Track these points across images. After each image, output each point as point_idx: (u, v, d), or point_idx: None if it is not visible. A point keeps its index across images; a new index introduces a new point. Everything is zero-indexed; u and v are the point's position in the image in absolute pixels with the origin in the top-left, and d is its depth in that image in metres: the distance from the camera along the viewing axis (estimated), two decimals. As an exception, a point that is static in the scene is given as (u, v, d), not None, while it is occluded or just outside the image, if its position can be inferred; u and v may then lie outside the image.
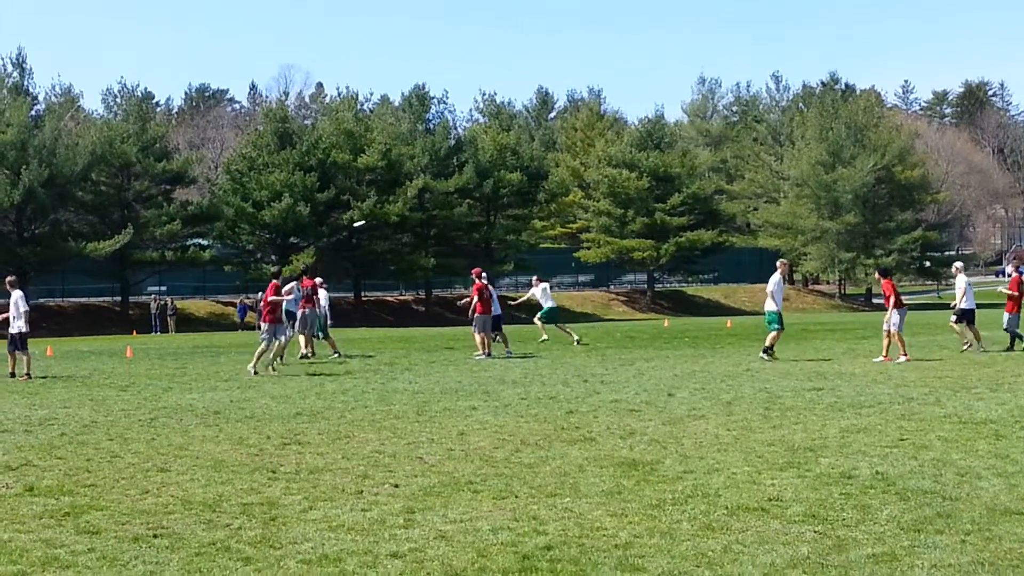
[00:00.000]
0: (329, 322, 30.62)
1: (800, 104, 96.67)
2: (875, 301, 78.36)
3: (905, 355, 23.45)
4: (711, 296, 79.63)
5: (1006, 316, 26.39)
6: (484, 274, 29.07)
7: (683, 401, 16.50)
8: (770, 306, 24.98)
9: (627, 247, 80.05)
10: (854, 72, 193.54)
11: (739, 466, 10.69)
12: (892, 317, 24.03)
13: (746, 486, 9.72)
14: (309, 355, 28.00)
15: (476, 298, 27.75)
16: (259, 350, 23.77)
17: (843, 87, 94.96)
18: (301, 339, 28.39)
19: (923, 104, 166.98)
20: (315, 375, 22.88)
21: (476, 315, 27.64)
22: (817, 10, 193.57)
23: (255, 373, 22.98)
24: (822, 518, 8.42)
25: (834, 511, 8.64)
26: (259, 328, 29.09)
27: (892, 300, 24.27)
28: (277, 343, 24.13)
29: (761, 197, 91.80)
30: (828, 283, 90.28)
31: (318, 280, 30.21)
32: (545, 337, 32.24)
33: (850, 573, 7.02)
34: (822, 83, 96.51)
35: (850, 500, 9.02)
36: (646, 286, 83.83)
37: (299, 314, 28.34)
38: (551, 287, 31.95)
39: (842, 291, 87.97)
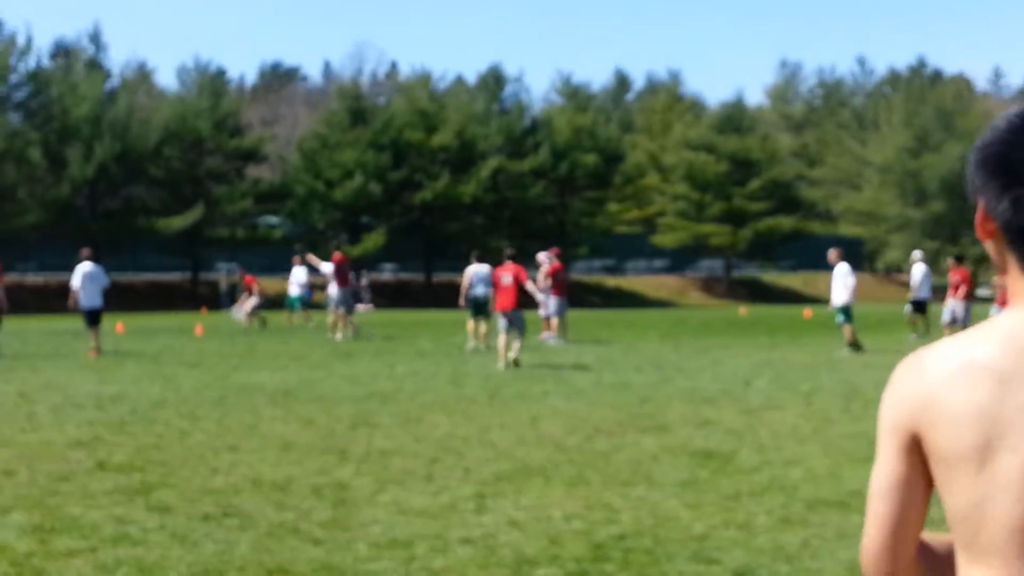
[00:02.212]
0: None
1: (886, 89, 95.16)
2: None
3: None
4: (789, 284, 78.77)
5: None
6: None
7: (760, 391, 16.26)
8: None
9: (704, 232, 79.39)
10: (943, 57, 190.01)
11: (818, 459, 10.46)
12: (957, 309, 23.62)
13: (825, 479, 9.49)
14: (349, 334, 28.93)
15: (551, 280, 27.45)
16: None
17: (931, 72, 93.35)
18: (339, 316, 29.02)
19: (1015, 90, 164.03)
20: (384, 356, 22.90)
21: (555, 297, 27.38)
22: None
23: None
24: (905, 515, 8.17)
25: (918, 508, 8.38)
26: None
27: (962, 290, 23.84)
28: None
29: (843, 184, 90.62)
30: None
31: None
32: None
33: (936, 573, 6.78)
34: (909, 68, 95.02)
35: (934, 497, 8.74)
36: (723, 272, 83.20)
37: (337, 291, 29.00)
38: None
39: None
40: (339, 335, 28.77)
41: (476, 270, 24.94)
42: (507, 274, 21.23)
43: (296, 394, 15.99)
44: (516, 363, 20.28)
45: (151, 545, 7.41)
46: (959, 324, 23.60)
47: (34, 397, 15.72)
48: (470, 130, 70.33)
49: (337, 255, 30.22)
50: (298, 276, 35.21)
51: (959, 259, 26.09)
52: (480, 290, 24.56)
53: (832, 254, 24.39)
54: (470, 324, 25.27)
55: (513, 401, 15.12)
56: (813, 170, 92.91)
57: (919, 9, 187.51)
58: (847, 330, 23.84)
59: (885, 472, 1.99)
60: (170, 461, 10.47)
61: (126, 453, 10.90)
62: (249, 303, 34.14)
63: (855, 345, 23.58)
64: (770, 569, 6.84)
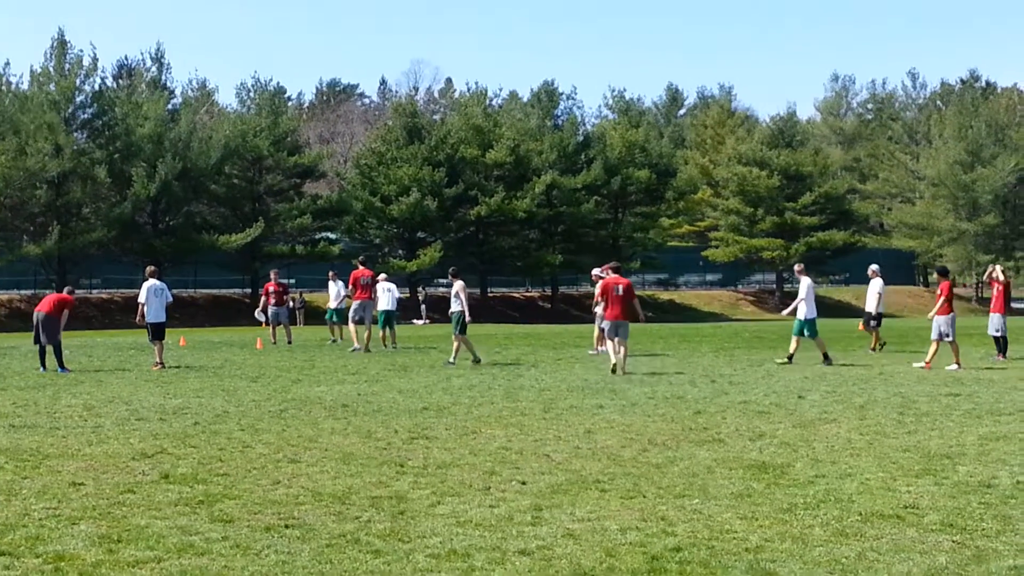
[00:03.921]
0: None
1: (938, 102, 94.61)
2: (1015, 305, 76.36)
3: (958, 363, 22.84)
4: (841, 297, 78.21)
5: (996, 317, 25.83)
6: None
7: (814, 404, 16.24)
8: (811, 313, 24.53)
9: (756, 246, 79.28)
10: (995, 70, 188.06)
11: (873, 472, 10.48)
12: (939, 324, 23.36)
13: (880, 492, 9.52)
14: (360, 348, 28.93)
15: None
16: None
17: (983, 85, 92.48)
18: (352, 329, 29.34)
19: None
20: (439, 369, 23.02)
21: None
22: (956, 5, 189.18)
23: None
24: (960, 527, 8.20)
25: (973, 520, 8.41)
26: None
27: (940, 304, 23.58)
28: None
29: (895, 197, 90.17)
30: (964, 286, 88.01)
31: (382, 276, 30.70)
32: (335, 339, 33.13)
33: (991, 585, 6.82)
34: (961, 81, 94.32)
35: (990, 510, 8.78)
36: (775, 286, 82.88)
37: (356, 304, 29.76)
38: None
39: (979, 295, 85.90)
40: (357, 346, 29.04)
41: (462, 284, 25.35)
42: (619, 285, 22.25)
43: (354, 407, 16.14)
44: (623, 370, 21.37)
45: (215, 555, 7.56)
46: (938, 340, 23.41)
47: (100, 410, 15.97)
48: (524, 146, 70.57)
49: (358, 271, 30.47)
50: (334, 291, 35.34)
51: (944, 272, 25.61)
52: (456, 306, 24.91)
53: (797, 269, 25.75)
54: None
55: (567, 414, 15.20)
56: (865, 184, 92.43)
57: (971, 22, 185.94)
58: (819, 343, 24.49)
59: None
60: (232, 473, 10.64)
61: (190, 465, 11.09)
62: (270, 310, 33.90)
63: (789, 355, 24.44)
64: (825, 581, 6.90)
